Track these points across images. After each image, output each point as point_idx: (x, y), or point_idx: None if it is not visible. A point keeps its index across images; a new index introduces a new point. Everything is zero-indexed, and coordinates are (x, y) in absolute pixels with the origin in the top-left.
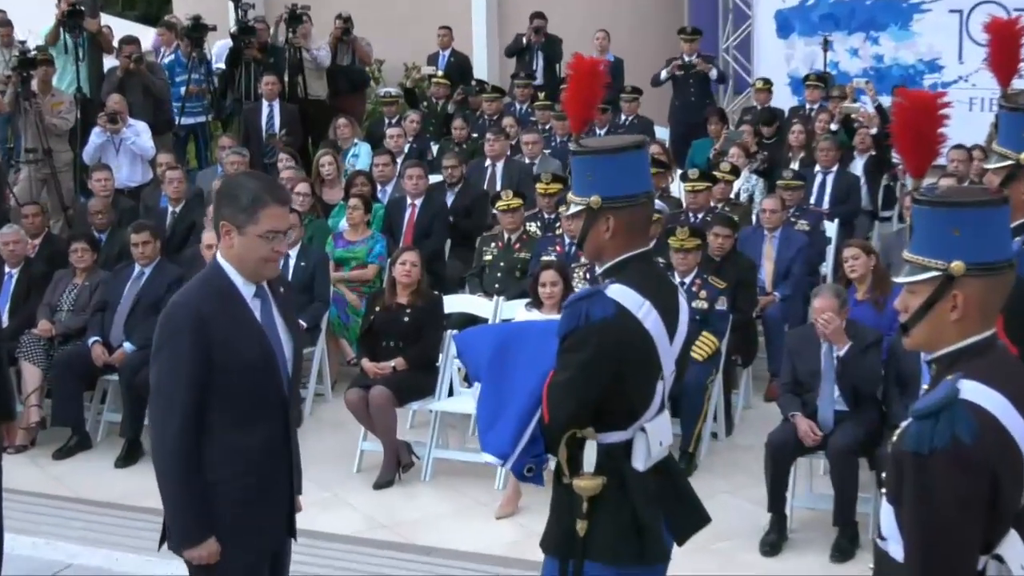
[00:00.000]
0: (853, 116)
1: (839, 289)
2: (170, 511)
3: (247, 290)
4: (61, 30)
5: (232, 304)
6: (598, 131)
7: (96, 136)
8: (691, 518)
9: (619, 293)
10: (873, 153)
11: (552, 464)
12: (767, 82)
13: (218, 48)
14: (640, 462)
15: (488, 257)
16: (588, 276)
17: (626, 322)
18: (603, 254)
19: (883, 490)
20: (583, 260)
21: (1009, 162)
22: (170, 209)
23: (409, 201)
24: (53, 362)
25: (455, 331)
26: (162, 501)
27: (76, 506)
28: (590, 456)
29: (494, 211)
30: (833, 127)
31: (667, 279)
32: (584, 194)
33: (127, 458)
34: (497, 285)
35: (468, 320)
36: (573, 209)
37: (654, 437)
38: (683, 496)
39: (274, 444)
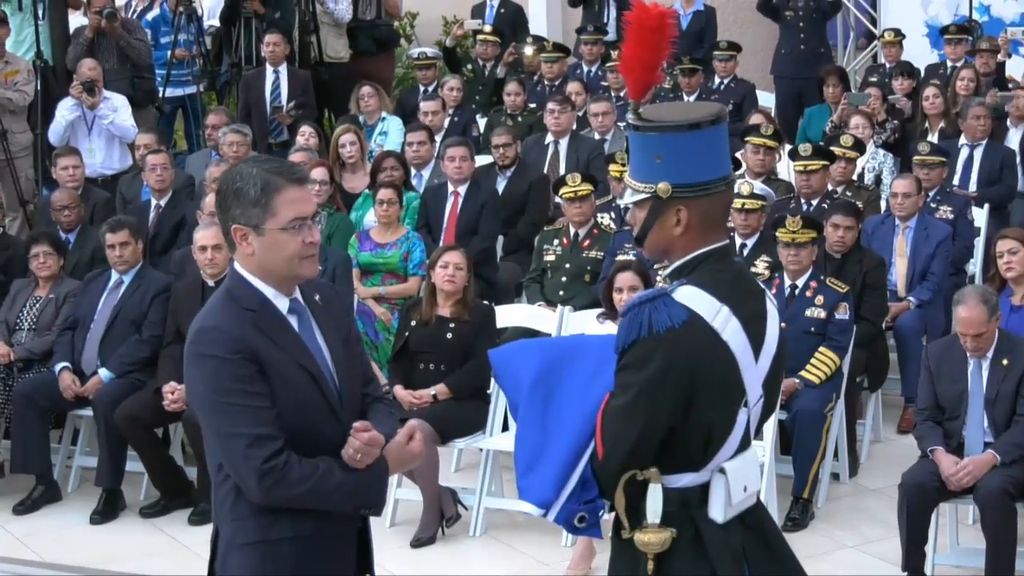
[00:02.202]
0: (1008, 75)
1: (987, 293)
2: (349, 498)
3: (280, 304)
4: None
5: (271, 326)
6: (686, 97)
7: (67, 111)
8: None
9: (690, 296)
10: None
11: (611, 513)
12: (898, 33)
13: (211, 1)
14: (719, 511)
15: (550, 258)
16: None
17: (699, 332)
18: (671, 252)
19: None
20: None
21: None
22: (154, 202)
23: (451, 189)
24: (12, 394)
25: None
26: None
27: (43, 572)
28: (654, 504)
29: (557, 200)
30: None
31: (751, 280)
32: (649, 179)
33: (105, 512)
34: (562, 292)
35: (526, 336)
36: (634, 197)
37: (736, 481)
38: (777, 554)
39: None
